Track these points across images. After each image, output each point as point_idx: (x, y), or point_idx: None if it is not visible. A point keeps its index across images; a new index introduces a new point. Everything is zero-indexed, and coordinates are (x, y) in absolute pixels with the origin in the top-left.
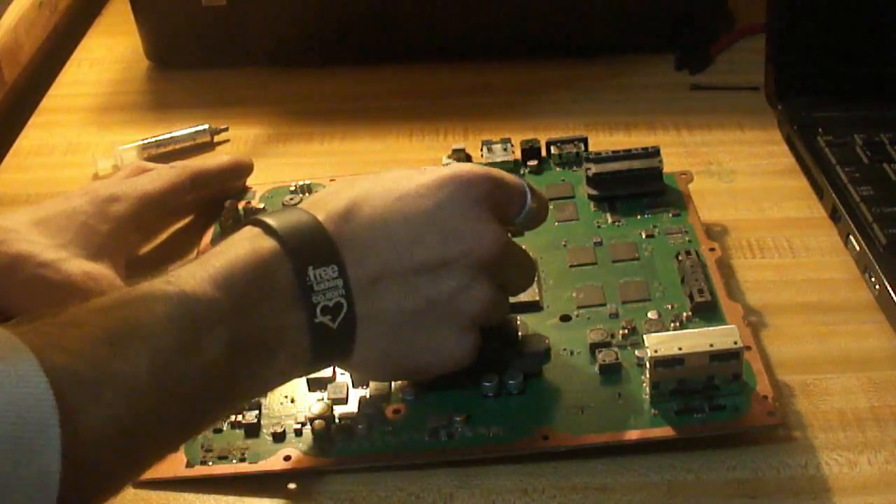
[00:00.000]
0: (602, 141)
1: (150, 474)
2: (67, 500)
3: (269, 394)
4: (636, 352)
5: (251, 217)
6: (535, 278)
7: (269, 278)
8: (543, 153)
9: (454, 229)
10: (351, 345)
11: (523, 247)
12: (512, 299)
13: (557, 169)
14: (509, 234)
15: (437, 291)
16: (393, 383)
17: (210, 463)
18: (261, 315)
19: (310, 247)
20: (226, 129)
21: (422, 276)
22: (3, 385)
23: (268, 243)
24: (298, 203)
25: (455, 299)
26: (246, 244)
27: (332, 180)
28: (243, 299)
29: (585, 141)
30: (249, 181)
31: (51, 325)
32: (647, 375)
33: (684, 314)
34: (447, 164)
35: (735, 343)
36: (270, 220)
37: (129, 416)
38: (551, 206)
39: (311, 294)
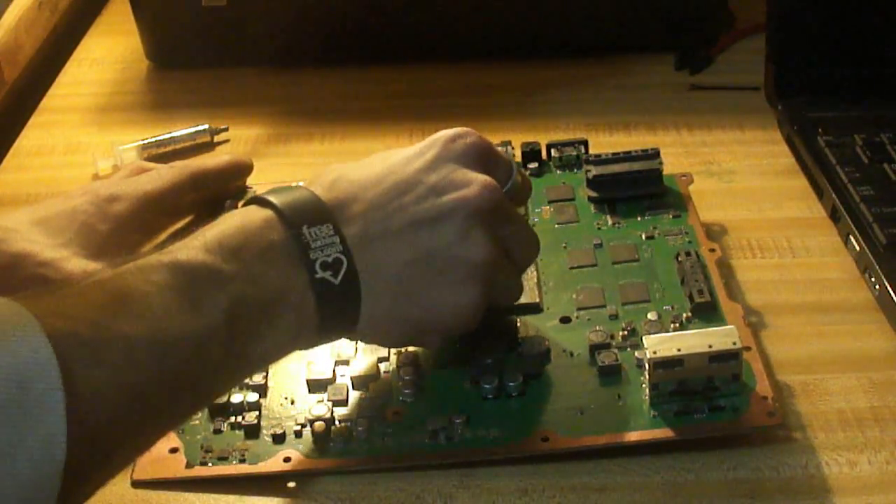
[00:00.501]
0: (602, 141)
1: (150, 474)
2: (74, 467)
3: (269, 395)
4: (636, 353)
5: (249, 198)
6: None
7: (265, 240)
8: (544, 156)
9: (446, 179)
10: (356, 304)
11: None
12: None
13: (558, 171)
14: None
15: (436, 243)
16: (392, 384)
17: (210, 464)
18: (260, 276)
19: (302, 210)
20: (226, 129)
21: (419, 229)
22: (7, 349)
23: (261, 212)
24: None
25: (454, 249)
26: (238, 215)
27: None
28: (240, 262)
29: (586, 143)
30: (249, 181)
31: (52, 296)
32: (647, 376)
33: (684, 315)
34: None
35: (734, 344)
36: (265, 195)
37: (131, 378)
38: (551, 209)
39: (308, 250)
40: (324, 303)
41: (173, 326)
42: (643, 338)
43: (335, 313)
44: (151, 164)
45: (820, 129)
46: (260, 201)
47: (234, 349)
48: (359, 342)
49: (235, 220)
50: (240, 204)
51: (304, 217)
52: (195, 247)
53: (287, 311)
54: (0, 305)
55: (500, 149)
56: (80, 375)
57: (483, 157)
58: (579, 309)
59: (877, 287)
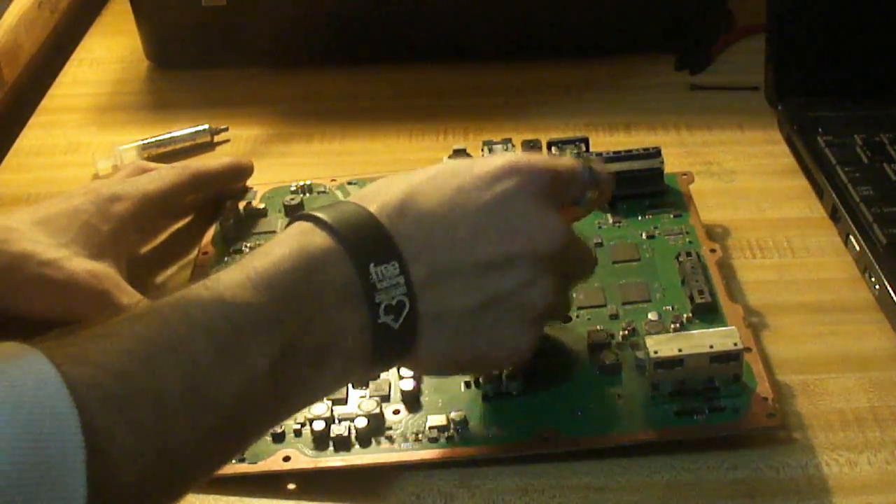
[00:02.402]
0: (602, 141)
1: None
2: None
3: None
4: (636, 353)
5: (299, 213)
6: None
7: (323, 277)
8: (544, 153)
9: (516, 224)
10: (412, 343)
11: None
12: None
13: None
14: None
15: (502, 288)
16: (392, 384)
17: None
18: (313, 319)
19: (368, 242)
20: (226, 129)
21: (486, 273)
22: (21, 401)
23: (320, 239)
24: (300, 203)
25: (520, 294)
26: (293, 241)
27: (332, 180)
28: (291, 302)
29: (586, 141)
30: (249, 181)
31: (78, 337)
32: (647, 376)
33: (685, 315)
34: (498, 152)
35: (735, 344)
36: (321, 214)
37: (161, 438)
38: None
39: (374, 293)
40: (379, 345)
41: (211, 379)
42: (644, 338)
43: (388, 353)
44: (152, 164)
45: (820, 129)
46: (317, 221)
47: (276, 397)
48: None
49: (290, 246)
50: (294, 223)
51: (371, 252)
52: (242, 282)
53: (339, 356)
54: (17, 352)
55: (568, 163)
56: (104, 434)
57: (554, 186)
58: (579, 308)
59: (877, 287)
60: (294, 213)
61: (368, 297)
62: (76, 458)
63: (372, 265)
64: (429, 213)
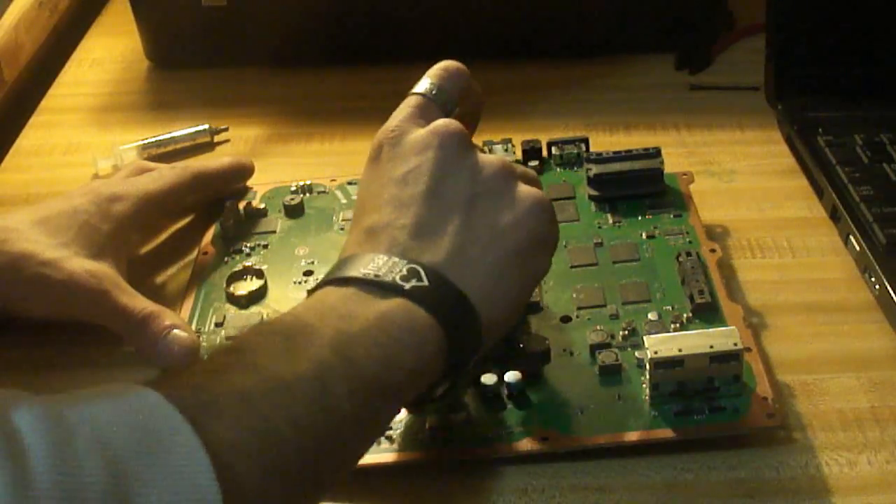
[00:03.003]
0: (602, 141)
1: None
2: None
3: None
4: (636, 353)
5: (394, 286)
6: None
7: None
8: (544, 153)
9: (481, 177)
10: (456, 295)
11: None
12: None
13: (558, 169)
14: None
15: (489, 208)
16: None
17: None
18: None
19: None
20: (226, 129)
21: (468, 210)
22: (130, 411)
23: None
24: (300, 203)
25: (504, 201)
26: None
27: (332, 180)
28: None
29: (586, 141)
30: (250, 181)
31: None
32: (647, 376)
33: (685, 315)
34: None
35: (735, 345)
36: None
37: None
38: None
39: (381, 282)
40: (435, 310)
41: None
42: (644, 337)
43: (452, 318)
44: (153, 164)
45: (820, 129)
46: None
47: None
48: None
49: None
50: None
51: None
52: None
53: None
54: (119, 386)
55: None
56: (206, 431)
57: (463, 138)
58: (579, 308)
59: (877, 287)
60: (294, 213)
61: (385, 289)
62: (200, 454)
63: (365, 271)
64: (452, 239)
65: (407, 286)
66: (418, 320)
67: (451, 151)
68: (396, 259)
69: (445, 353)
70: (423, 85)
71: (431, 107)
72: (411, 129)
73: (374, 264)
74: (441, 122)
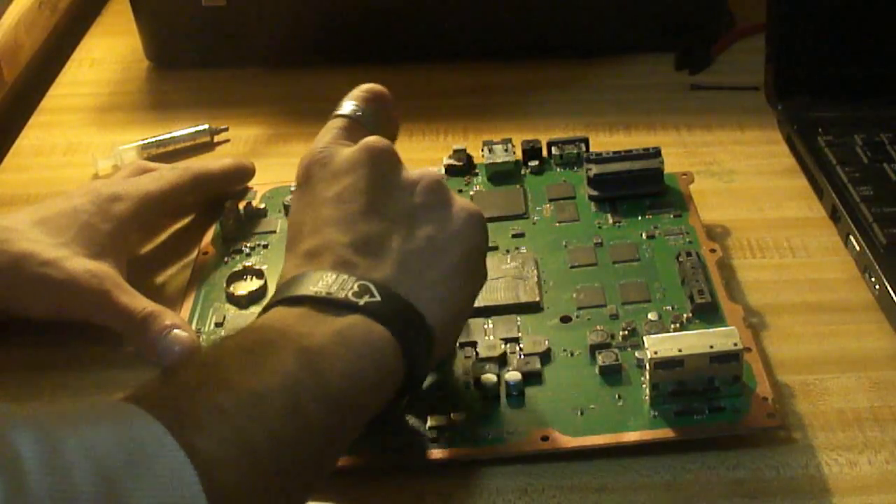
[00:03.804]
0: (602, 141)
1: None
2: None
3: None
4: (636, 353)
5: (346, 301)
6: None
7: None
8: (544, 153)
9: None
10: (405, 306)
11: (523, 248)
12: (512, 300)
13: (558, 169)
14: None
15: (425, 221)
16: None
17: None
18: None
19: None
20: (226, 129)
21: (410, 222)
22: (114, 424)
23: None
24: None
25: (439, 216)
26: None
27: None
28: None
29: (586, 141)
30: (250, 182)
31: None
32: (647, 377)
33: (684, 315)
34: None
35: (735, 345)
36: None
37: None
38: (552, 207)
39: (333, 300)
40: (385, 319)
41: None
42: (644, 338)
43: (402, 326)
44: (153, 165)
45: (820, 129)
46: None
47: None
48: None
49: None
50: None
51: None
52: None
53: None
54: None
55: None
56: (186, 444)
57: (393, 154)
58: (579, 308)
59: (877, 287)
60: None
61: (339, 306)
62: (187, 467)
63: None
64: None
65: (360, 302)
66: (375, 335)
67: (383, 168)
68: (346, 276)
69: (402, 367)
70: (348, 107)
71: (356, 127)
72: (339, 149)
73: (324, 282)
74: (370, 139)
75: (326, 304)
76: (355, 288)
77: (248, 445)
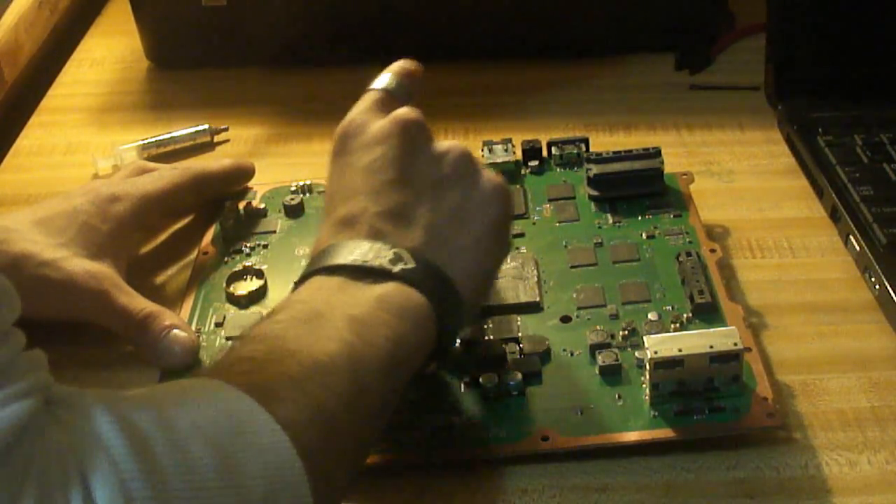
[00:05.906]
0: (602, 141)
1: None
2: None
3: None
4: (636, 353)
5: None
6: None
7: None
8: (544, 153)
9: (440, 159)
10: (435, 270)
11: (523, 248)
12: (512, 300)
13: (558, 169)
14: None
15: (455, 189)
16: None
17: None
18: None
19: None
20: (226, 129)
21: (436, 192)
22: (210, 401)
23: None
24: (299, 203)
25: (468, 186)
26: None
27: None
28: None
29: (586, 141)
30: (250, 182)
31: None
32: (647, 377)
33: (684, 315)
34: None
35: (735, 345)
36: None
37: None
38: (552, 207)
39: (366, 268)
40: (421, 286)
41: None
42: (644, 338)
43: (435, 291)
44: (153, 165)
45: (820, 129)
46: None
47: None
48: None
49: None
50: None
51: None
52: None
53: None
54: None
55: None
56: (271, 413)
57: (423, 126)
58: (579, 308)
59: (877, 287)
60: (294, 213)
61: (376, 274)
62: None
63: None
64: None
65: (395, 269)
66: (413, 300)
67: (413, 138)
68: (380, 244)
69: (435, 330)
70: (384, 80)
71: (390, 100)
72: (373, 119)
73: (360, 251)
74: (402, 111)
75: (363, 273)
76: (390, 255)
77: (320, 410)
